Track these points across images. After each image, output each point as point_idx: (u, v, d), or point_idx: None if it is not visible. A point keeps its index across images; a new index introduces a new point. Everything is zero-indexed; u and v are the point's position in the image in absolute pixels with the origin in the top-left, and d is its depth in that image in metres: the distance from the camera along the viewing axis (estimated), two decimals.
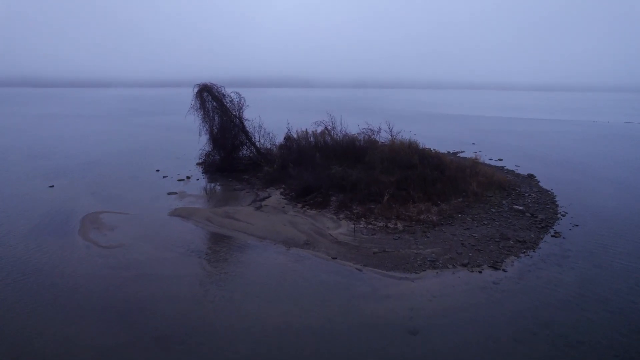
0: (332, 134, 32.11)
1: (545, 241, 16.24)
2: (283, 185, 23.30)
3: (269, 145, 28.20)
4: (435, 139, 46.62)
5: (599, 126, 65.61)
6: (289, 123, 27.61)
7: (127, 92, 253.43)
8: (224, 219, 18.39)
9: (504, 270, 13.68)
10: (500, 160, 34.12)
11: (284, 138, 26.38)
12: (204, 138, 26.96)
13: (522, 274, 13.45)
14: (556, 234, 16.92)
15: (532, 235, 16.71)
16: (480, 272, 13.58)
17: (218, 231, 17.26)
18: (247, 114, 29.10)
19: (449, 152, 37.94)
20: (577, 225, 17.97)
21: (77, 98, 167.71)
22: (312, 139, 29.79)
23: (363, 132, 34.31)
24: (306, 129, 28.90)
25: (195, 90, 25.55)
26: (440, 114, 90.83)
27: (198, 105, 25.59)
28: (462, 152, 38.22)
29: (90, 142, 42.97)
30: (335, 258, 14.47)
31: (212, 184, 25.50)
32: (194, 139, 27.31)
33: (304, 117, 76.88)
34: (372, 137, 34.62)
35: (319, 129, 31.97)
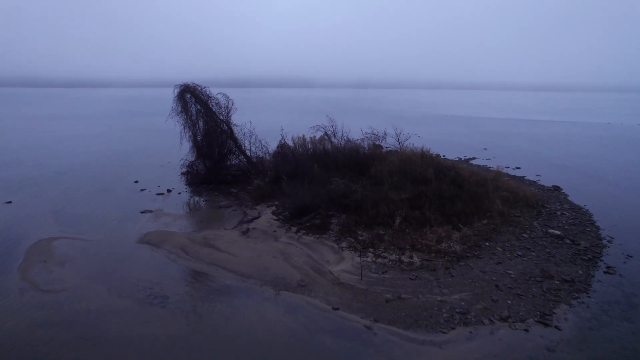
0: (332, 140, 28.99)
1: (599, 280, 13.03)
2: (276, 202, 20.10)
3: (261, 154, 24.97)
4: (442, 143, 43.47)
5: (614, 129, 62.36)
6: (282, 129, 24.37)
7: (126, 93, 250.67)
8: (201, 249, 15.19)
9: (557, 327, 10.47)
10: (518, 168, 30.93)
11: (278, 146, 23.23)
12: (186, 146, 23.66)
13: (582, 334, 10.24)
14: (609, 270, 13.71)
15: (580, 272, 13.51)
16: (526, 330, 10.39)
17: (193, 266, 14.04)
18: (237, 118, 25.96)
19: (460, 158, 34.79)
20: (631, 257, 14.78)
21: (74, 99, 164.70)
22: (310, 146, 26.64)
23: (367, 137, 31.20)
24: (303, 135, 25.70)
25: (176, 91, 22.31)
26: (443, 115, 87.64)
27: (179, 109, 22.34)
28: (474, 158, 35.05)
29: (72, 147, 39.76)
30: (337, 309, 11.27)
31: (196, 199, 22.27)
32: (183, 144, 24.07)
33: (304, 118, 73.79)
34: (377, 142, 31.49)
35: (318, 134, 28.84)
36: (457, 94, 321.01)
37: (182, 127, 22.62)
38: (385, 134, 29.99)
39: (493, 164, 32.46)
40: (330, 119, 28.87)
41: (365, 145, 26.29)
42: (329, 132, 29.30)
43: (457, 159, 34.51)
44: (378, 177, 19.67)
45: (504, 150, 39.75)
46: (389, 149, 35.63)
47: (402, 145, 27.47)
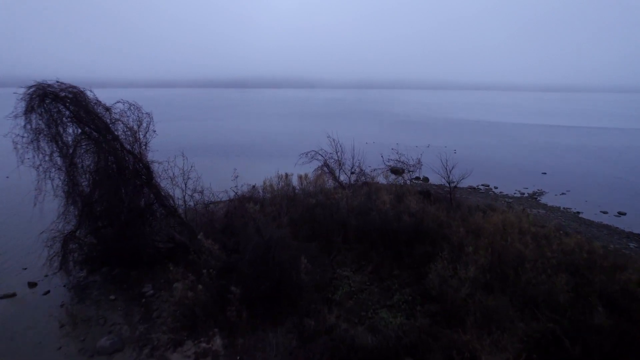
0: (337, 174, 18.11)
1: None
2: (217, 339, 9.19)
3: (207, 206, 13.94)
4: (482, 163, 32.55)
5: None
6: (237, 175, 13.34)
7: (121, 93, 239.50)
8: None
9: None
10: (622, 214, 20.02)
11: (228, 212, 12.04)
12: (53, 204, 12.55)
13: None
14: None
15: None
16: None
17: None
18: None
19: (522, 194, 23.84)
20: None
21: None
22: (297, 189, 15.74)
23: (390, 165, 20.55)
24: (285, 174, 14.72)
25: (26, 98, 11.11)
26: (461, 120, 76.62)
27: (39, 134, 11.24)
28: (542, 193, 24.04)
29: None
30: None
31: (69, 310, 11.30)
32: (45, 201, 12.91)
33: (300, 124, 62.87)
34: (405, 168, 20.96)
35: (313, 166, 17.95)
36: (460, 94, 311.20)
37: (41, 168, 11.47)
38: (419, 163, 19.17)
39: (573, 204, 21.64)
40: (333, 140, 18.00)
41: (410, 202, 15.39)
42: (331, 162, 18.38)
43: (517, 195, 23.63)
44: (446, 297, 8.68)
45: (572, 176, 28.83)
46: (419, 178, 24.86)
47: (456, 186, 16.49)
